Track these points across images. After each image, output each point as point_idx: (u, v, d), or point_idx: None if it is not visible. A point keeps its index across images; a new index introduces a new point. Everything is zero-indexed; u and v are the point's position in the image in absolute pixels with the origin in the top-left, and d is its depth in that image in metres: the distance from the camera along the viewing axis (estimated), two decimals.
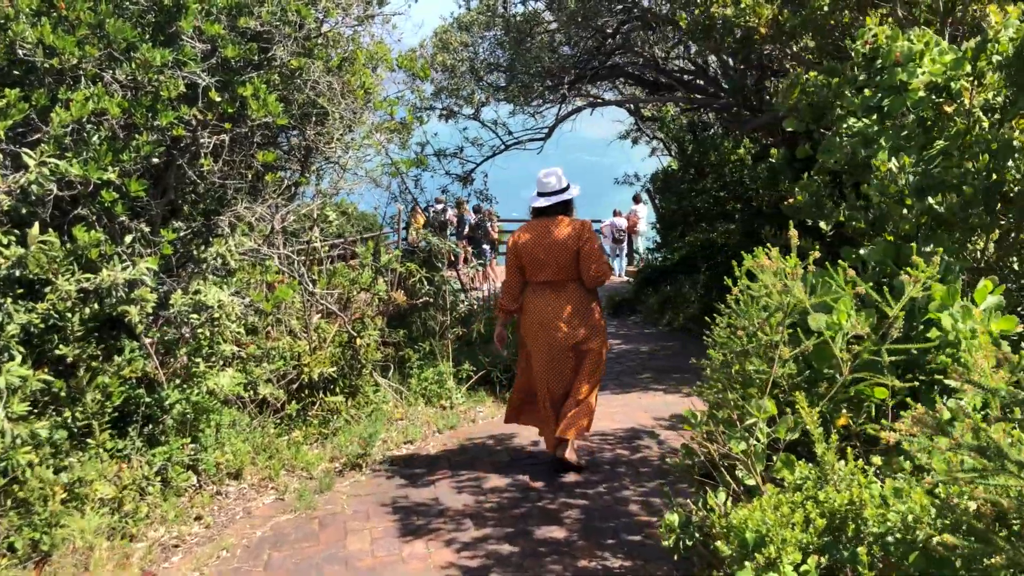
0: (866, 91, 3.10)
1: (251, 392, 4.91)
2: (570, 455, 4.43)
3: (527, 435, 5.28)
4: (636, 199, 17.91)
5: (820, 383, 2.46)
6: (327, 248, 6.12)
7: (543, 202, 4.38)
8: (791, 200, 3.56)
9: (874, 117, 3.08)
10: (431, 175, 8.85)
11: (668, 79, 8.81)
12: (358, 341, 5.66)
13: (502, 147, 8.30)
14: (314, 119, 6.70)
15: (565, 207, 4.44)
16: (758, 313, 2.51)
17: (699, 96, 8.46)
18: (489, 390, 6.69)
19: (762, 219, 8.26)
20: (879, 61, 3.04)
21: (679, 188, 12.42)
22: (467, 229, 17.91)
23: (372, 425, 5.24)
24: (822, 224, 3.54)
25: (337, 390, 5.63)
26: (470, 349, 7.21)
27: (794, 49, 5.94)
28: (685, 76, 9.26)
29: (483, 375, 6.67)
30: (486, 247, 17.58)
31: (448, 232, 20.28)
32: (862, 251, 2.88)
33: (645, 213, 18.28)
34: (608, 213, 19.20)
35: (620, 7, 9.13)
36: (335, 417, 5.43)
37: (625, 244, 18.69)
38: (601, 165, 14.56)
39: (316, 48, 4.83)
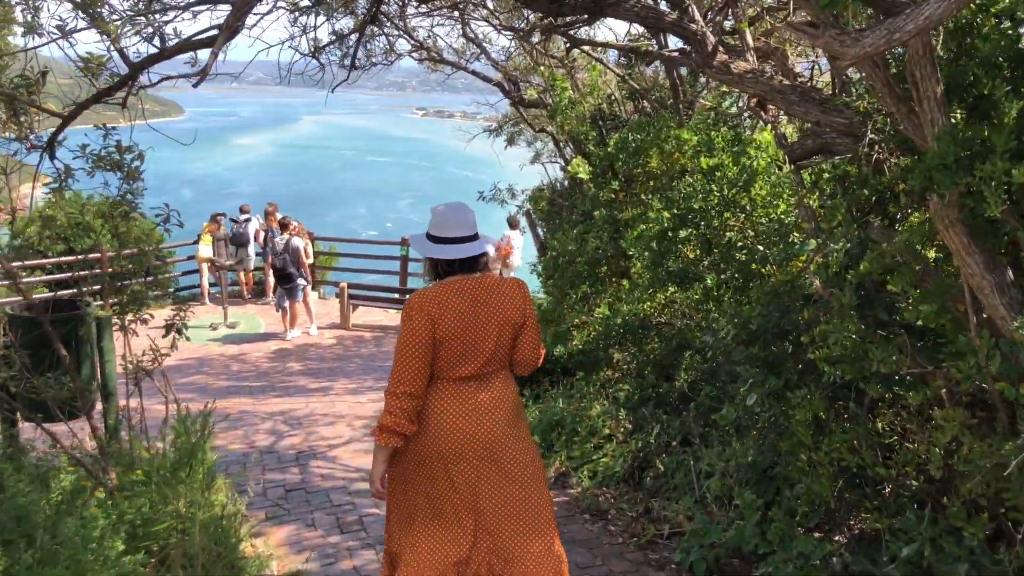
0: None
1: None
2: None
3: None
4: (512, 223, 12.97)
5: None
6: None
7: (464, 251, 2.78)
8: None
9: None
10: None
11: None
12: None
13: None
14: None
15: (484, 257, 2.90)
16: None
17: None
18: None
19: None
20: None
21: (578, 216, 7.50)
22: (271, 253, 12.49)
23: None
24: None
25: None
26: None
27: None
28: None
29: None
30: (299, 280, 12.15)
31: (253, 251, 14.80)
32: None
33: (521, 243, 13.39)
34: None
35: None
36: None
37: None
38: (475, 182, 9.74)
39: None
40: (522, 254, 13.40)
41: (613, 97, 8.72)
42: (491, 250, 2.96)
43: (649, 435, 4.85)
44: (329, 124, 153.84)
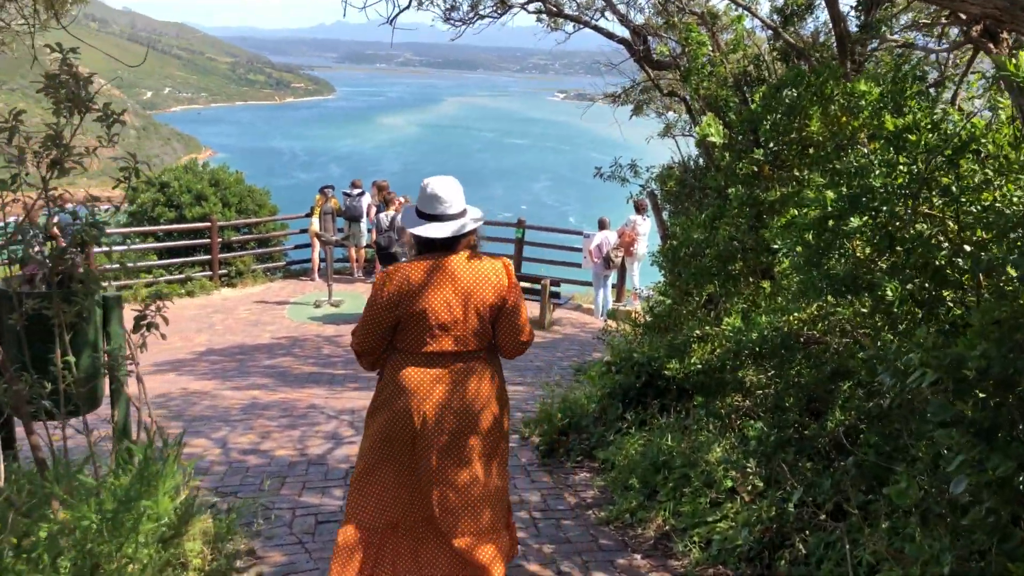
0: None
1: None
2: None
3: None
4: (638, 207, 11.63)
5: None
6: None
7: (442, 230, 2.80)
8: None
9: None
10: None
11: None
12: None
13: None
14: None
15: (466, 237, 2.87)
16: None
17: None
18: None
19: None
20: None
21: (709, 197, 6.16)
22: (376, 229, 11.91)
23: None
24: None
25: None
26: None
27: None
28: None
29: None
30: (404, 260, 11.33)
31: (365, 227, 14.23)
32: None
33: (648, 229, 12.03)
34: (588, 224, 13.05)
35: None
36: None
37: (616, 271, 12.50)
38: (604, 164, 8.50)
39: None
40: (647, 238, 12.12)
41: (761, 58, 7.25)
42: (473, 227, 2.83)
43: (788, 497, 3.54)
44: (471, 105, 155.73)
